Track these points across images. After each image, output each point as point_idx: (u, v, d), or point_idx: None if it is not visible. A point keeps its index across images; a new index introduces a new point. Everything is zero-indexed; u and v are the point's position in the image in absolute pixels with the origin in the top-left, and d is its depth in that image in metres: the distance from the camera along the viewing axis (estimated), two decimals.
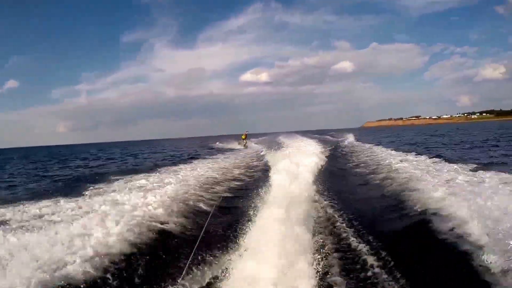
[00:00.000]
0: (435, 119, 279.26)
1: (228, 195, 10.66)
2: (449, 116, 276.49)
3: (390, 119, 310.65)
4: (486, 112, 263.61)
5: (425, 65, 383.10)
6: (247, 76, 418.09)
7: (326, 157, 19.15)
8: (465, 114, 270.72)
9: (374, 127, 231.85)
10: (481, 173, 9.16)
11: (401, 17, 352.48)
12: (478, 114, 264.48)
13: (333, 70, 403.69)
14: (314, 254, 5.66)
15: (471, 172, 9.59)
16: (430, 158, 13.63)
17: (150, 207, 7.55)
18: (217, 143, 43.90)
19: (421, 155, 15.05)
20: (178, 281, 4.79)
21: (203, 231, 5.84)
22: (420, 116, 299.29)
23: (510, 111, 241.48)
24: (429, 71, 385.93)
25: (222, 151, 30.12)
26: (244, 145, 32.59)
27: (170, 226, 6.91)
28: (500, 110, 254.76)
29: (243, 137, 34.65)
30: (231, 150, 30.34)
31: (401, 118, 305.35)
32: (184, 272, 4.80)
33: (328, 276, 5.09)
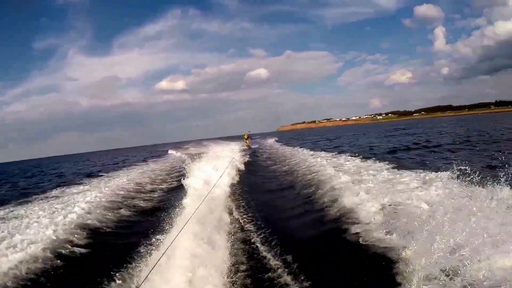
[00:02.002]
0: (344, 120, 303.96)
1: (144, 205, 11.58)
2: (358, 117, 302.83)
3: (303, 122, 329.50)
4: (391, 113, 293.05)
5: (338, 71, 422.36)
6: (163, 84, 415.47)
7: (244, 160, 21.54)
8: (372, 115, 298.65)
9: (288, 131, 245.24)
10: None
11: (316, 26, 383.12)
12: (384, 115, 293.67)
13: (249, 77, 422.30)
14: (225, 254, 6.31)
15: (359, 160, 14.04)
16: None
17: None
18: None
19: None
20: None
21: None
22: (331, 118, 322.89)
23: (410, 111, 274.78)
24: (342, 77, 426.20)
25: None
26: (248, 145, 34.07)
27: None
28: (404, 110, 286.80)
29: (245, 137, 35.85)
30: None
31: (314, 121, 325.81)
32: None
33: (237, 274, 5.71)
